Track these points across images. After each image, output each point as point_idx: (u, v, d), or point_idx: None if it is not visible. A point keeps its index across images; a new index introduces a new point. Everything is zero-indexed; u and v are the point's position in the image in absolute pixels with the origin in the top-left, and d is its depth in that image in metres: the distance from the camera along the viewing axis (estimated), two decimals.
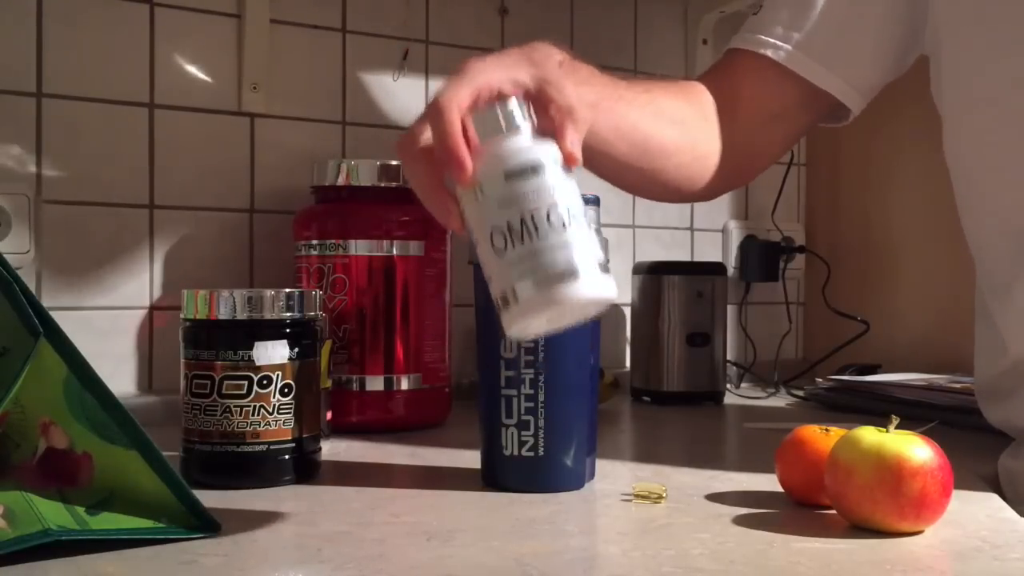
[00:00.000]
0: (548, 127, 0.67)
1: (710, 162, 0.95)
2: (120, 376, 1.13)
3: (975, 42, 0.92)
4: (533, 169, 0.63)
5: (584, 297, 0.61)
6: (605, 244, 0.79)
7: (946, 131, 0.97)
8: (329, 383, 0.99)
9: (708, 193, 0.99)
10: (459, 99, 0.65)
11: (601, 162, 0.85)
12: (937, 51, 0.96)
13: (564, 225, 0.61)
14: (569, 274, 0.60)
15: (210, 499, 0.67)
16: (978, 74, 0.92)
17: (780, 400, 1.39)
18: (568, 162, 0.65)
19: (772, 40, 0.96)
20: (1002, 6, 0.90)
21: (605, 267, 0.62)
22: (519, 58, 0.71)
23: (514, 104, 0.65)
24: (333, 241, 1.08)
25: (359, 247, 1.07)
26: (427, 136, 0.67)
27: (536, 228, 0.61)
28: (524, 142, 0.64)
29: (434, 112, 0.65)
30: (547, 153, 0.64)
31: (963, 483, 0.73)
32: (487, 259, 0.63)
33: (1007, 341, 0.92)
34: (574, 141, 0.66)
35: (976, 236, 0.97)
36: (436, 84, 1.32)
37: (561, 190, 0.63)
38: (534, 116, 0.66)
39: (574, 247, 0.61)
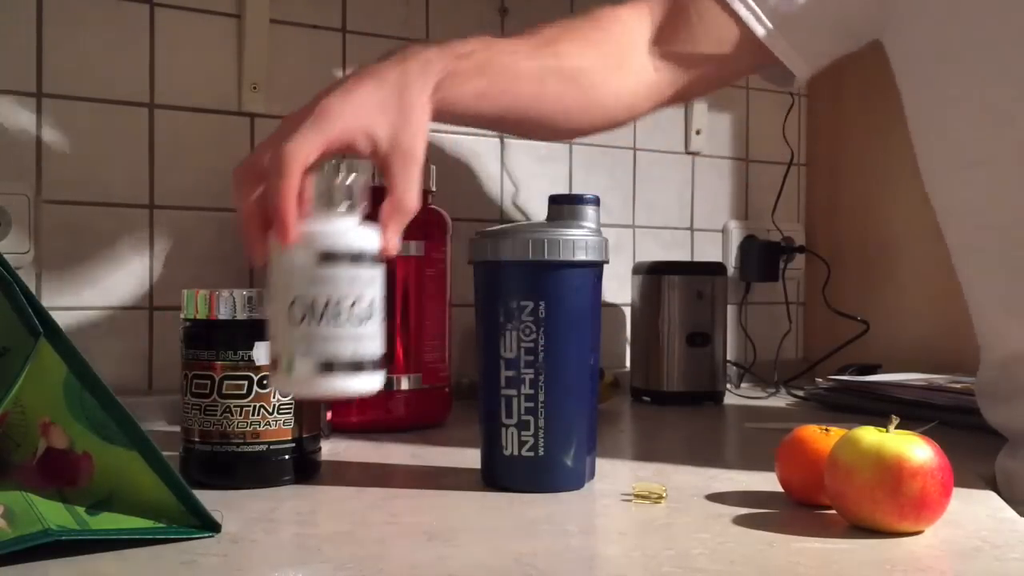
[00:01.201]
0: (380, 210, 0.68)
1: (615, 103, 0.93)
2: (120, 376, 1.13)
3: (942, 38, 0.91)
4: (352, 257, 0.64)
5: (355, 391, 0.65)
6: (605, 244, 0.79)
7: (913, 131, 0.97)
8: None
9: (608, 126, 0.96)
10: (305, 154, 0.65)
11: (492, 127, 0.87)
12: (901, 41, 0.95)
13: (361, 319, 0.64)
14: (349, 368, 0.64)
15: (210, 499, 0.67)
16: (945, 69, 0.91)
17: (780, 400, 1.39)
18: (384, 252, 0.67)
19: None
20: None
21: (381, 361, 0.66)
22: (387, 97, 0.70)
23: (353, 180, 0.66)
24: None
25: None
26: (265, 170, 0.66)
27: (337, 315, 0.64)
28: (351, 224, 0.66)
29: (276, 164, 0.64)
30: (369, 241, 0.66)
31: (963, 483, 0.73)
32: (277, 319, 0.64)
33: (999, 339, 0.93)
34: (394, 234, 0.68)
35: (955, 239, 0.96)
36: None
37: (371, 282, 0.65)
38: (374, 183, 0.69)
39: (364, 343, 0.65)
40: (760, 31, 0.92)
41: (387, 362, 0.67)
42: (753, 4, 0.92)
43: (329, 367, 0.64)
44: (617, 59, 0.93)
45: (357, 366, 0.65)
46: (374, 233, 0.66)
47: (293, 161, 0.64)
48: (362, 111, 0.69)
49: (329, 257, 0.64)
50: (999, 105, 0.87)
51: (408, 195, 0.69)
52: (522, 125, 0.91)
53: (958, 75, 0.90)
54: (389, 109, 0.70)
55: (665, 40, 0.94)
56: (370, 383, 0.66)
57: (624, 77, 0.93)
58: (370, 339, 0.65)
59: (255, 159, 0.68)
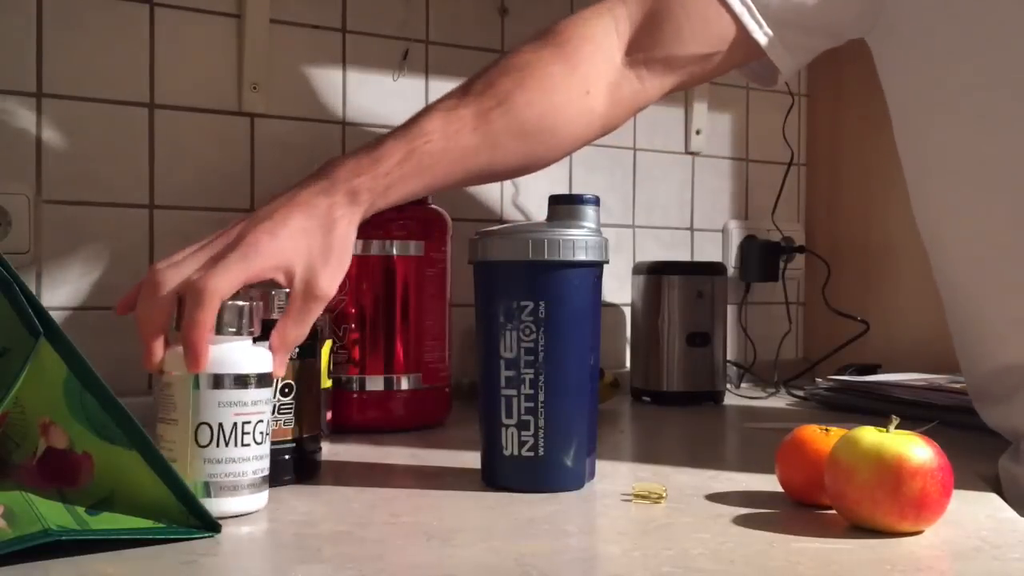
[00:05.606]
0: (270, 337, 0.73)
1: (588, 123, 0.91)
2: (120, 376, 1.13)
3: (933, 44, 0.90)
4: (258, 380, 0.69)
5: (254, 508, 0.70)
6: (605, 244, 0.79)
7: (898, 136, 0.97)
8: (329, 383, 0.99)
9: (589, 140, 0.95)
10: (227, 290, 0.69)
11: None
12: (889, 45, 0.94)
13: (259, 440, 0.70)
14: (251, 487, 0.69)
15: None
16: (934, 76, 0.91)
17: (780, 400, 1.40)
18: (274, 374, 0.72)
19: None
20: (960, 6, 0.88)
21: (266, 478, 0.71)
22: (312, 235, 0.74)
23: (249, 305, 0.70)
24: None
25: (359, 247, 1.07)
26: (171, 291, 0.70)
27: (241, 437, 0.68)
28: (255, 350, 0.70)
29: (197, 297, 0.68)
30: (260, 365, 0.70)
31: (963, 483, 0.73)
32: (182, 440, 0.68)
33: (990, 346, 0.93)
34: (281, 362, 0.73)
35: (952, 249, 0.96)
36: (436, 84, 1.32)
37: (267, 405, 0.71)
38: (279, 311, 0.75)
39: (263, 462, 0.70)
40: (757, 32, 0.92)
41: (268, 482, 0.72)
42: (751, 3, 0.91)
43: (233, 488, 0.68)
44: (586, 85, 0.90)
45: (260, 485, 0.70)
46: (265, 355, 0.71)
47: (215, 295, 0.68)
48: (287, 250, 0.73)
49: (236, 381, 0.68)
50: (991, 110, 0.87)
51: (295, 331, 0.74)
52: (485, 180, 0.92)
53: (948, 80, 0.89)
54: (312, 248, 0.75)
55: (647, 45, 0.92)
56: (263, 499, 0.71)
57: (596, 98, 0.91)
58: (265, 457, 0.71)
59: (159, 278, 0.71)
